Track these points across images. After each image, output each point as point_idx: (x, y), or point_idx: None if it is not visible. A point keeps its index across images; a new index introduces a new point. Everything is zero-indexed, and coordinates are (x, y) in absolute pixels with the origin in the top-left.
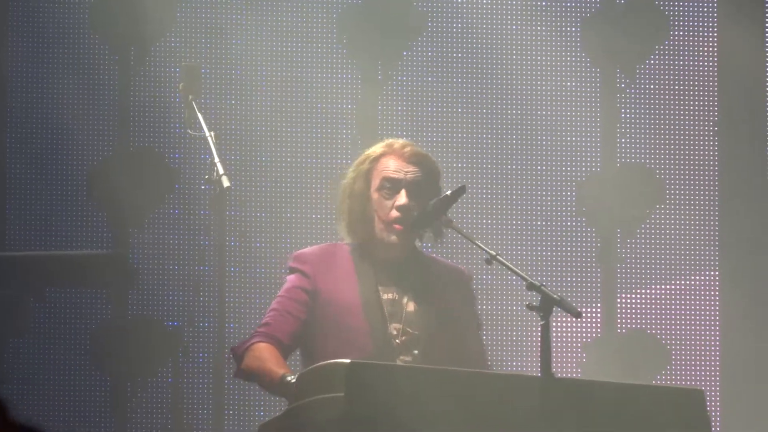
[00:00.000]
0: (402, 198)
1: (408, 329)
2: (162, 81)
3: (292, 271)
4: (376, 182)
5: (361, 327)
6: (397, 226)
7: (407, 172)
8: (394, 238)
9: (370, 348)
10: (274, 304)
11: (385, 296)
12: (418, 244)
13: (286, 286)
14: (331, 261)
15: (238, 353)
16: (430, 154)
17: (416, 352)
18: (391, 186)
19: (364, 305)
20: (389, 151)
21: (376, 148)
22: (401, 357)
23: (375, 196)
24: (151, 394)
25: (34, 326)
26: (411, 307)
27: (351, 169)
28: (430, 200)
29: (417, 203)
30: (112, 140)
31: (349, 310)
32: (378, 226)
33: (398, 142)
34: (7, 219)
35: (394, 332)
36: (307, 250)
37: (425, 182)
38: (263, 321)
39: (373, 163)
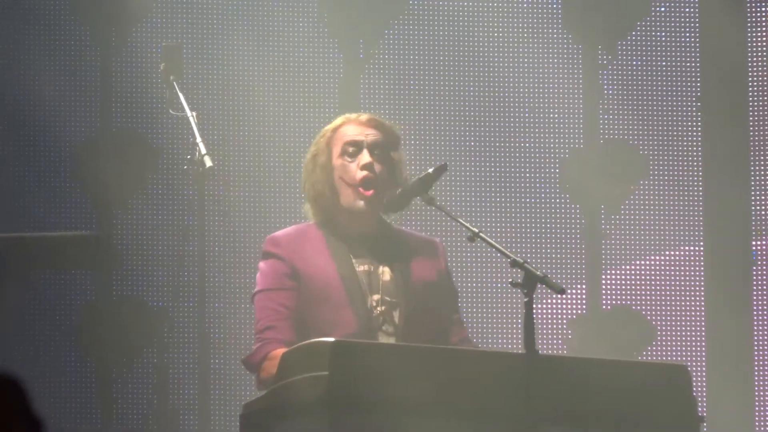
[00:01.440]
0: (366, 157)
1: (386, 298)
2: (143, 61)
3: (269, 255)
4: (337, 150)
5: (342, 301)
6: (364, 191)
7: (367, 134)
8: (362, 204)
9: (353, 321)
10: (265, 301)
11: (360, 268)
12: (386, 218)
13: (268, 276)
14: (304, 240)
15: (254, 363)
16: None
17: (396, 320)
18: (353, 148)
19: (343, 279)
20: (347, 121)
21: (334, 123)
22: (384, 327)
23: (338, 162)
24: (136, 374)
25: (15, 309)
26: (387, 276)
27: (311, 147)
28: (392, 162)
29: (380, 164)
30: (94, 121)
31: (329, 286)
32: (345, 192)
33: (355, 114)
34: None
35: (374, 303)
36: (280, 233)
37: (385, 143)
38: (265, 324)
39: (332, 134)
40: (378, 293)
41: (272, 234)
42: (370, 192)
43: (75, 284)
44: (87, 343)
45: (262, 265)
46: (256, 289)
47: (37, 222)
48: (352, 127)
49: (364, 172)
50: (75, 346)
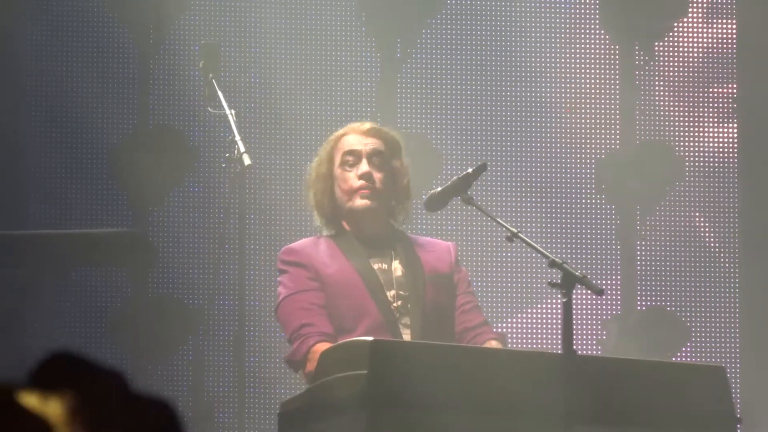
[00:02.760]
0: (363, 166)
1: (401, 292)
2: (182, 59)
3: (288, 264)
4: (337, 159)
5: (364, 297)
6: (363, 191)
7: (366, 143)
8: (363, 201)
9: (377, 315)
10: (294, 304)
11: (376, 266)
12: (397, 226)
13: (291, 283)
14: (317, 247)
15: (298, 360)
16: (395, 130)
17: (412, 313)
18: (353, 158)
19: (361, 275)
20: (348, 131)
21: (334, 135)
22: (402, 320)
23: (338, 172)
24: (171, 373)
25: (52, 305)
26: (399, 272)
27: (315, 158)
28: (392, 170)
29: (379, 172)
30: (132, 119)
31: (350, 282)
32: (344, 198)
33: (357, 123)
34: (28, 198)
35: (390, 298)
36: (294, 244)
37: (386, 152)
38: (300, 322)
39: (334, 144)
40: (393, 289)
41: (286, 246)
42: (366, 201)
43: (111, 281)
44: (121, 341)
45: (282, 276)
46: (280, 298)
47: (75, 219)
48: (353, 137)
49: (361, 182)
50: (110, 343)
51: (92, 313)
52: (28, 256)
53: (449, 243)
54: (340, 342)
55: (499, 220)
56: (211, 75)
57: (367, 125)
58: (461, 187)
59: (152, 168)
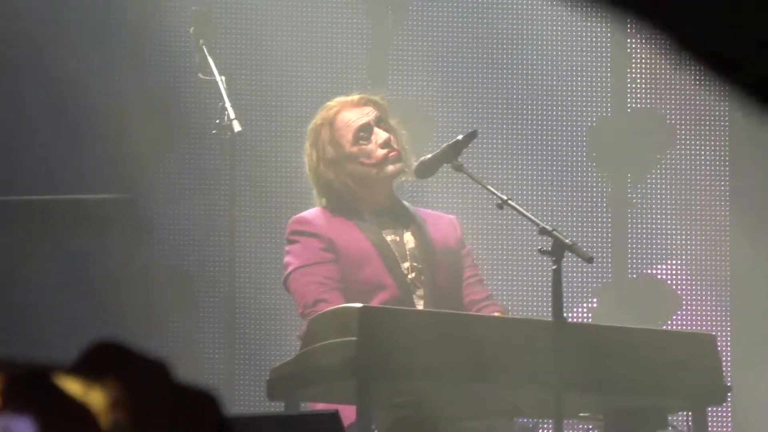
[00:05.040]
0: (381, 135)
1: (414, 264)
2: (173, 25)
3: (300, 234)
4: (348, 138)
5: (380, 269)
6: (391, 155)
7: (367, 113)
8: (396, 165)
9: (393, 287)
10: (307, 277)
11: (389, 238)
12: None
13: (303, 253)
14: (329, 218)
15: None
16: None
17: (425, 285)
18: (365, 132)
19: (376, 247)
20: (338, 108)
21: (325, 113)
22: (417, 293)
23: (354, 150)
24: (163, 340)
25: (43, 272)
26: (412, 244)
27: (309, 144)
28: (395, 130)
29: (392, 135)
30: (123, 84)
31: (366, 254)
32: (372, 171)
33: (338, 99)
34: (18, 163)
35: (405, 270)
36: (305, 213)
37: (383, 115)
38: (315, 297)
39: (330, 126)
40: (407, 261)
41: (297, 216)
42: (398, 164)
43: (102, 248)
44: (114, 308)
45: (293, 246)
46: (291, 268)
47: (69, 186)
48: (350, 112)
49: (385, 149)
50: (101, 311)
51: (83, 281)
52: (18, 223)
53: (452, 216)
54: (329, 308)
55: (489, 187)
56: (201, 41)
57: (356, 96)
58: (452, 154)
59: (143, 134)
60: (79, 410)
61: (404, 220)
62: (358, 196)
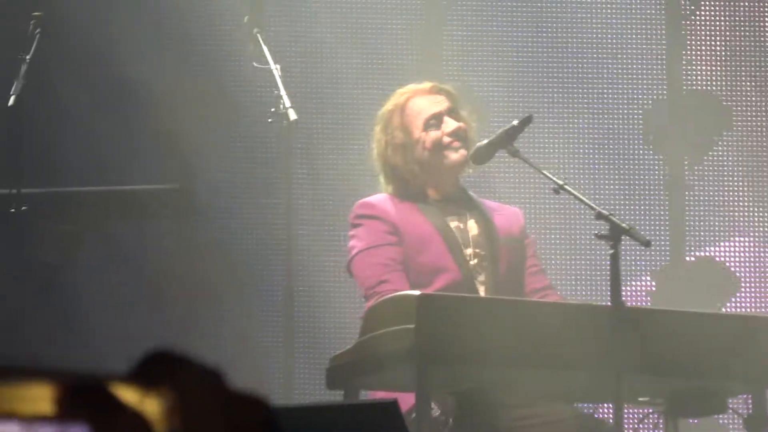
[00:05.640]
0: (451, 123)
1: (477, 250)
2: (227, 13)
3: (365, 217)
4: (418, 125)
5: (442, 252)
6: (455, 143)
7: (439, 102)
8: (460, 153)
9: (456, 270)
10: (371, 258)
11: (453, 225)
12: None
13: (368, 236)
14: (392, 204)
15: None
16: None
17: (488, 271)
18: (435, 120)
19: (440, 232)
20: (410, 94)
21: (396, 99)
22: (479, 278)
23: (423, 135)
24: (218, 329)
25: (93, 261)
26: (475, 230)
27: (379, 129)
28: (467, 121)
29: (462, 124)
30: (175, 74)
31: (429, 238)
32: (436, 158)
33: (411, 86)
34: (70, 154)
35: (468, 256)
36: (371, 198)
37: (455, 105)
38: (378, 278)
39: (401, 112)
40: (470, 247)
41: (362, 200)
42: (463, 152)
43: (157, 237)
44: (167, 296)
45: (357, 230)
46: (355, 251)
47: (120, 176)
48: (422, 99)
49: (451, 138)
50: (155, 296)
51: (136, 269)
52: (69, 213)
53: (516, 208)
54: (387, 296)
55: (545, 172)
56: (256, 30)
57: (428, 84)
58: (507, 140)
59: (197, 123)
60: (134, 419)
61: (469, 207)
62: (424, 183)
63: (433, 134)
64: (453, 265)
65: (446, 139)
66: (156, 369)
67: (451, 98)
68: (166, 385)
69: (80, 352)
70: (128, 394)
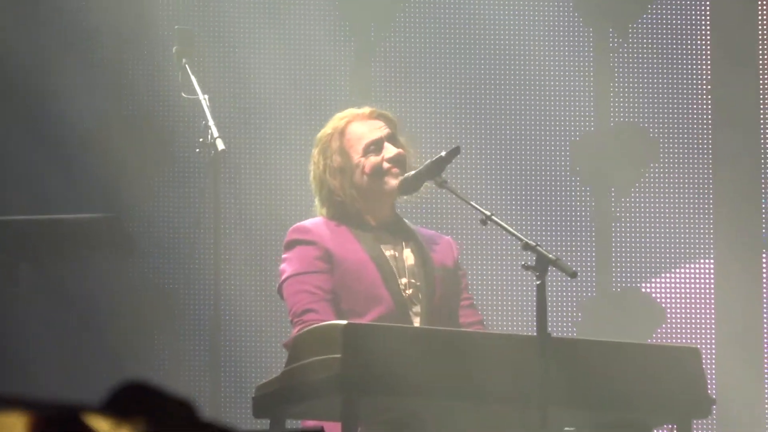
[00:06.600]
0: (390, 150)
1: (412, 281)
2: (155, 44)
3: (297, 242)
4: (357, 150)
5: (376, 281)
6: (394, 169)
7: (379, 128)
8: (396, 181)
9: (388, 300)
10: (299, 285)
11: (388, 253)
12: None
13: (299, 261)
14: (328, 229)
15: None
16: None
17: (422, 302)
18: (375, 146)
19: (374, 261)
20: (350, 119)
21: (336, 123)
22: (413, 309)
23: (363, 161)
24: (147, 357)
25: (26, 292)
26: (410, 260)
27: (317, 152)
28: (405, 147)
29: (400, 151)
30: (106, 103)
31: (362, 267)
32: (375, 183)
33: (350, 110)
34: (3, 183)
35: (402, 286)
36: (305, 222)
37: (394, 131)
38: (303, 307)
39: (341, 136)
40: (405, 277)
41: (297, 224)
42: (400, 179)
43: (86, 267)
44: (97, 326)
45: (289, 253)
46: (285, 276)
47: (52, 205)
48: (361, 124)
49: (390, 164)
50: (87, 329)
51: (68, 300)
52: (4, 241)
53: (449, 238)
54: (314, 326)
55: (472, 203)
56: (184, 60)
57: (367, 109)
58: (435, 171)
59: (126, 153)
60: None
61: (404, 236)
62: (360, 208)
63: (373, 159)
64: (387, 296)
65: (386, 165)
66: (129, 400)
67: (391, 124)
68: (139, 415)
69: (15, 380)
70: (102, 425)
